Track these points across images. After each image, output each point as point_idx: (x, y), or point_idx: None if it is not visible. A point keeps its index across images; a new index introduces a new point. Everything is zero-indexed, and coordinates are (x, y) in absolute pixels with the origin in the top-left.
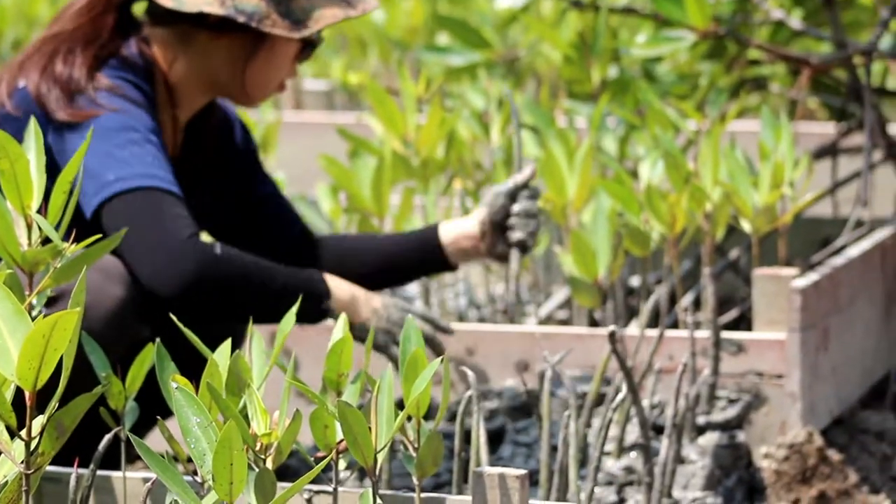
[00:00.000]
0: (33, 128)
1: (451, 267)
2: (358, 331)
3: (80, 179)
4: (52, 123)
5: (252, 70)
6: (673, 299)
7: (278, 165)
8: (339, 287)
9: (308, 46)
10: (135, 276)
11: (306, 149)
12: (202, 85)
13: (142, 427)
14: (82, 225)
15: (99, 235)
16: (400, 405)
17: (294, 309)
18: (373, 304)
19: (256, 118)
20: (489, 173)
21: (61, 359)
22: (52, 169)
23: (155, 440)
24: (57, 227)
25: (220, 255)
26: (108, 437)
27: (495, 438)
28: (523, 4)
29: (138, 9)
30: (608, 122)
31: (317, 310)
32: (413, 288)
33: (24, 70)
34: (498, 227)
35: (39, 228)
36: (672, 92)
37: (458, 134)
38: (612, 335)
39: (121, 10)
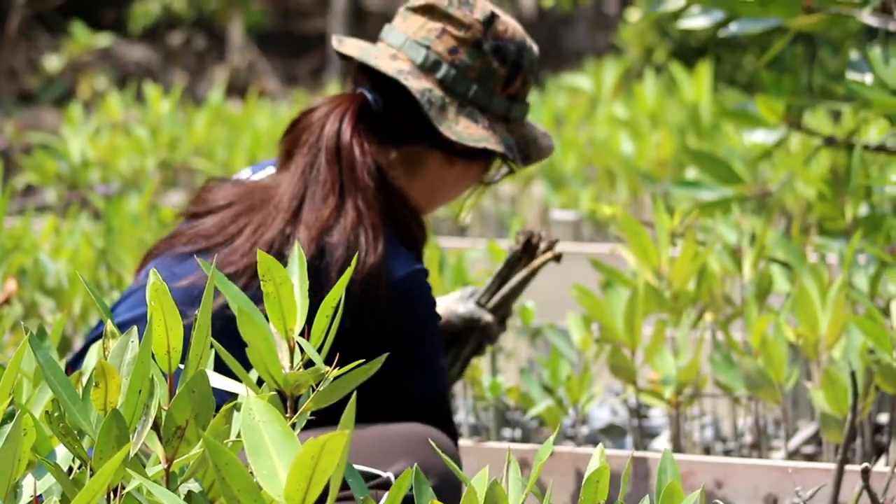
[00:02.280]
0: (297, 252)
1: None
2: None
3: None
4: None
5: (464, 190)
6: None
7: (527, 294)
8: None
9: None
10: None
11: (555, 278)
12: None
13: None
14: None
15: (362, 360)
16: None
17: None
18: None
19: (506, 247)
20: (739, 308)
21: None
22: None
23: None
24: (319, 351)
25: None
26: None
27: None
28: (775, 141)
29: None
30: (860, 259)
31: None
32: (659, 419)
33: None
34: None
35: (302, 351)
36: None
37: (709, 267)
38: (865, 472)
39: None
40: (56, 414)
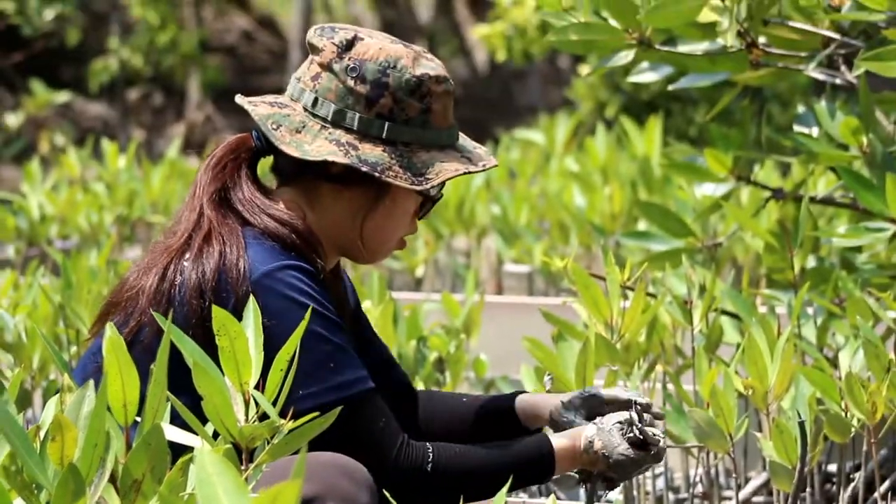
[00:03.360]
0: (252, 305)
1: (525, 430)
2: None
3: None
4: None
5: (372, 223)
6: (871, 486)
7: (480, 347)
8: (560, 447)
9: (428, 202)
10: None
11: (508, 330)
12: (328, 242)
13: None
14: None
15: (316, 413)
16: None
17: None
18: (595, 448)
19: (461, 299)
20: (689, 359)
21: None
22: None
23: None
24: (274, 404)
25: (430, 472)
26: None
27: None
28: (724, 194)
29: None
30: (808, 311)
31: (543, 478)
32: None
33: (179, 265)
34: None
35: (257, 404)
36: (872, 282)
37: (660, 319)
38: None
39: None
40: (13, 468)
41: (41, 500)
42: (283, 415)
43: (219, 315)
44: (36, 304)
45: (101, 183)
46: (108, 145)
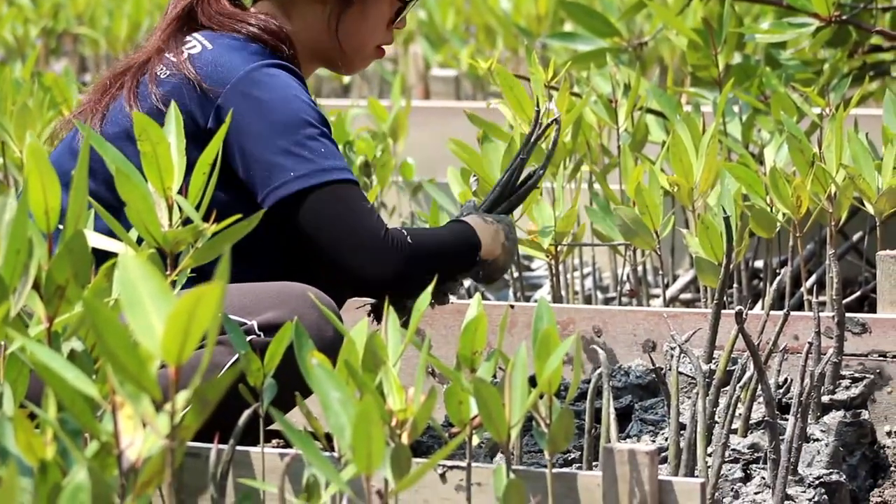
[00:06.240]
0: (174, 112)
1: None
2: (488, 267)
3: (258, 169)
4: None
5: (347, 26)
6: (797, 281)
7: (407, 151)
8: (479, 228)
9: (401, 9)
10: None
11: (435, 134)
12: (307, 53)
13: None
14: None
15: (239, 216)
16: (532, 383)
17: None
18: (500, 240)
19: (387, 105)
20: (615, 158)
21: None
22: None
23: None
24: (197, 208)
25: (413, 244)
26: (247, 412)
27: (623, 416)
28: None
29: None
30: (733, 108)
31: (475, 259)
32: (543, 271)
33: (161, 60)
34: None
35: (180, 209)
36: (796, 78)
37: (585, 119)
38: (739, 315)
39: None
40: None
41: None
42: (206, 218)
43: (139, 120)
44: None
45: None
46: None
